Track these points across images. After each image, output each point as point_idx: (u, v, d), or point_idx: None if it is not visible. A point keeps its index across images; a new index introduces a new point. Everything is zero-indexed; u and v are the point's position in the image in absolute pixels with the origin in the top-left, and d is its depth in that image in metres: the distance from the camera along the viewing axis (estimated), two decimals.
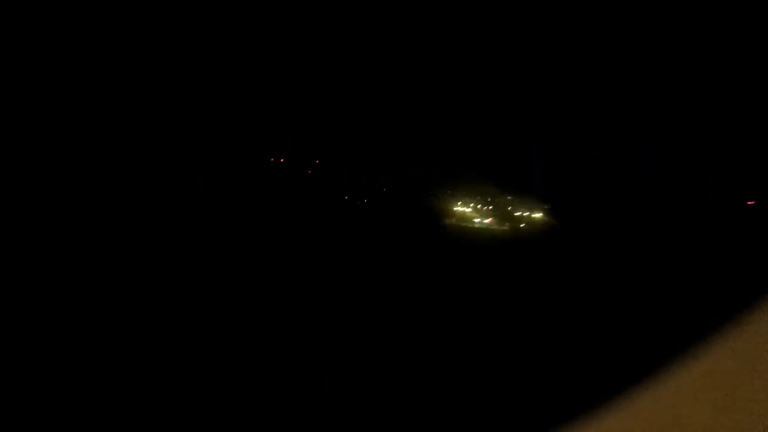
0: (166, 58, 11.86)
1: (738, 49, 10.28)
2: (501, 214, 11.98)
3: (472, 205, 12.17)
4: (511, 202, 11.88)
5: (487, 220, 11.98)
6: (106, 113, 12.50)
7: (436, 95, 11.83)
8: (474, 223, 12.13)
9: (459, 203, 12.16)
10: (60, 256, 9.83)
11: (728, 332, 3.80)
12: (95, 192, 12.22)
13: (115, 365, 6.12)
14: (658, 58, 10.86)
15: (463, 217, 12.20)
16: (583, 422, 3.88)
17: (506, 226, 11.91)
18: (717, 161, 11.11)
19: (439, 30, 11.17)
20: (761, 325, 3.80)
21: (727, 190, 11.13)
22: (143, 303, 8.15)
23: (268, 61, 12.09)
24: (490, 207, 12.05)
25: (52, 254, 9.89)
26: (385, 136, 12.72)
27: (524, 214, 11.84)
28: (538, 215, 11.80)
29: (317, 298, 8.55)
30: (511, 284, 9.89)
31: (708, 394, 3.69)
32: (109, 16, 11.49)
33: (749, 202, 11.06)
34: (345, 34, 11.56)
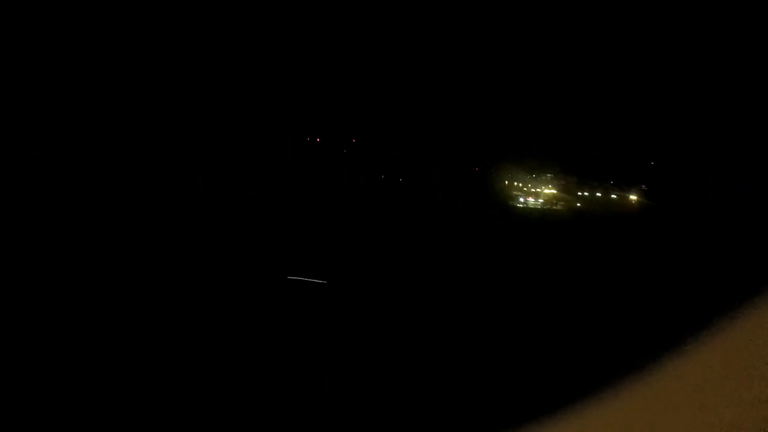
0: (166, 59, 11.86)
1: (738, 50, 10.28)
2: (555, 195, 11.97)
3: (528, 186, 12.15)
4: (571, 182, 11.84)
5: (538, 200, 11.98)
6: (106, 113, 12.49)
7: (436, 96, 11.82)
8: (522, 202, 12.09)
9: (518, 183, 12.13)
10: (60, 256, 9.82)
11: (723, 328, 3.79)
12: (95, 192, 12.22)
13: (115, 364, 6.11)
14: (658, 60, 10.85)
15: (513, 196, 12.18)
16: (579, 410, 3.88)
17: (560, 206, 11.90)
18: (717, 161, 11.11)
19: (440, 32, 11.16)
20: (755, 321, 3.79)
21: (727, 190, 11.14)
22: (143, 302, 8.13)
23: (268, 61, 12.08)
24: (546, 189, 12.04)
25: (52, 254, 9.87)
26: (385, 136, 12.71)
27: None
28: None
29: (317, 298, 8.54)
30: (509, 282, 9.86)
31: (702, 388, 3.69)
32: (109, 17, 11.49)
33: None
34: (345, 35, 11.55)
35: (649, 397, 3.77)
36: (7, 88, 11.54)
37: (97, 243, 10.53)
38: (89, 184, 12.35)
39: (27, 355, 6.61)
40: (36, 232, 10.77)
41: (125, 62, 11.76)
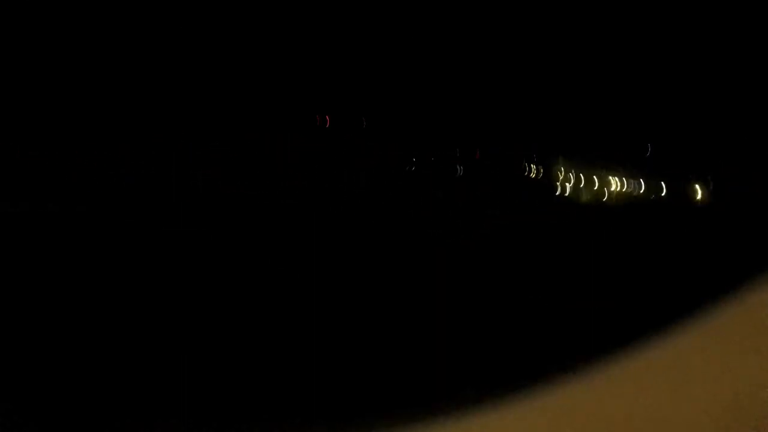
0: (166, 58, 11.90)
1: (738, 50, 10.31)
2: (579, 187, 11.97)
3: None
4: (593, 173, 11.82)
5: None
6: (105, 113, 12.52)
7: (436, 95, 11.85)
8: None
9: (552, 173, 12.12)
10: (60, 256, 9.86)
11: (715, 325, 3.82)
12: (95, 192, 12.24)
13: (115, 366, 6.14)
14: (657, 58, 10.89)
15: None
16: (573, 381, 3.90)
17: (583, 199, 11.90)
18: (717, 161, 11.15)
19: (440, 29, 11.19)
20: (743, 310, 3.82)
21: (727, 190, 11.17)
22: (143, 303, 8.17)
23: (268, 61, 12.12)
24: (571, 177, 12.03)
25: (51, 254, 9.91)
26: (385, 136, 12.75)
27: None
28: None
29: (317, 299, 8.57)
30: (510, 282, 9.90)
31: (682, 375, 3.72)
32: (109, 16, 11.53)
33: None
34: (345, 33, 11.59)
35: (624, 379, 3.80)
36: (7, 88, 11.56)
37: (96, 243, 10.57)
38: (89, 184, 12.37)
39: (27, 355, 6.64)
40: (36, 232, 10.81)
41: (125, 62, 11.79)
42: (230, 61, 11.90)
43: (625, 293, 9.10)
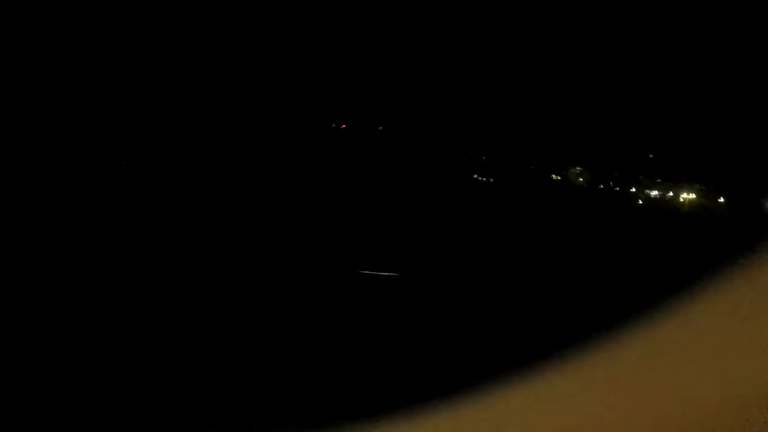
0: (166, 59, 11.88)
1: (738, 50, 10.30)
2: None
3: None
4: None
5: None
6: (105, 113, 12.51)
7: (436, 95, 11.84)
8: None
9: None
10: (60, 257, 9.85)
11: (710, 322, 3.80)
12: (95, 192, 12.23)
13: (114, 365, 6.14)
14: (657, 59, 10.88)
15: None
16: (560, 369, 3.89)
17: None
18: (717, 161, 11.13)
19: (440, 30, 11.18)
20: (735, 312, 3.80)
21: (727, 190, 11.15)
22: (143, 303, 8.16)
23: (268, 61, 12.11)
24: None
25: (52, 254, 9.90)
26: (385, 136, 12.73)
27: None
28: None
29: (317, 299, 8.56)
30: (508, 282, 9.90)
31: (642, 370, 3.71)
32: (109, 16, 11.52)
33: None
34: (345, 33, 11.58)
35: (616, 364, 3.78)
36: (7, 88, 11.57)
37: (96, 243, 10.56)
38: (89, 184, 12.37)
39: (27, 354, 6.64)
40: (36, 232, 10.80)
41: (125, 62, 11.78)
42: (230, 63, 11.90)
43: (626, 288, 9.09)
